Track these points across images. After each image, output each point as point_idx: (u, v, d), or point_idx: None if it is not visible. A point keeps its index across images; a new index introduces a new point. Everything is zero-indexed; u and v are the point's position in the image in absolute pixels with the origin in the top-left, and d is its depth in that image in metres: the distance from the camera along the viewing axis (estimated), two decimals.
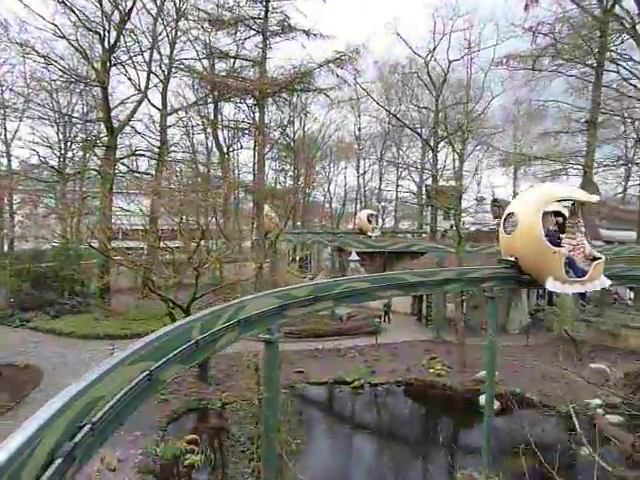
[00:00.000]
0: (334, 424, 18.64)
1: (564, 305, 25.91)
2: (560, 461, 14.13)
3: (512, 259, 11.33)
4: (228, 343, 7.08)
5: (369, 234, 37.28)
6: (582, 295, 25.34)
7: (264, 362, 9.13)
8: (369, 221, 39.00)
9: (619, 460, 11.54)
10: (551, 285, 10.90)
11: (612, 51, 27.66)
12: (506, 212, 11.73)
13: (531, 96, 32.71)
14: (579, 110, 29.62)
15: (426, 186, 47.94)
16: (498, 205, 42.22)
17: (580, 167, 27.51)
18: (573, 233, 11.72)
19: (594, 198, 11.82)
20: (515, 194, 45.22)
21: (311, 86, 32.16)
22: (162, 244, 20.68)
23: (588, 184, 27.72)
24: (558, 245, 11.08)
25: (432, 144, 39.64)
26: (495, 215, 42.49)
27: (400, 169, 60.18)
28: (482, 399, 18.46)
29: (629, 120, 34.19)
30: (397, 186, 61.74)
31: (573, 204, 11.81)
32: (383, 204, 63.49)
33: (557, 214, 11.76)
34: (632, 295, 31.02)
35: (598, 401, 18.07)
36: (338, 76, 31.69)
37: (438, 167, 39.40)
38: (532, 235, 10.78)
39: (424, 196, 49.68)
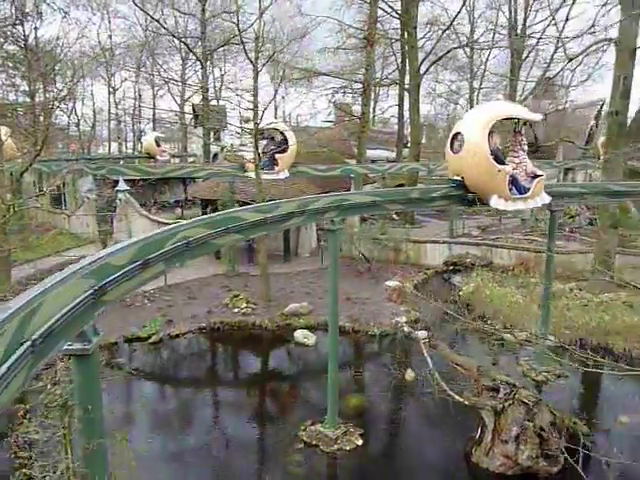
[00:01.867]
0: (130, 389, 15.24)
1: (351, 224, 26.08)
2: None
3: (459, 178, 11.22)
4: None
5: (158, 158, 32.53)
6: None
7: (78, 384, 5.52)
8: (157, 144, 33.88)
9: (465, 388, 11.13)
10: (495, 202, 11.04)
11: None
12: (453, 131, 11.52)
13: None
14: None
15: (193, 105, 43.80)
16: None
17: (361, 84, 27.15)
18: (516, 151, 11.72)
19: (537, 117, 11.91)
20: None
21: None
22: None
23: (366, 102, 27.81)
24: (502, 163, 11.02)
25: (200, 57, 35.45)
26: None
27: (157, 87, 54.05)
28: (299, 334, 17.14)
29: (392, 39, 35.24)
30: (154, 105, 55.58)
31: (516, 122, 11.71)
32: (142, 125, 56.99)
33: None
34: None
35: (404, 318, 18.34)
36: None
37: (210, 83, 35.58)
38: (478, 154, 10.75)
39: (190, 116, 45.46)
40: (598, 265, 20.05)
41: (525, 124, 12.01)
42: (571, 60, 18.77)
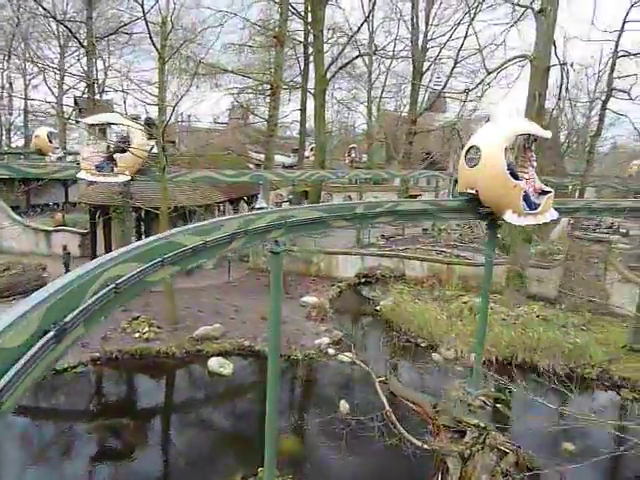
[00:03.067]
0: None
1: None
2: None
3: (473, 191, 10.97)
4: None
5: (50, 155, 28.10)
6: None
7: None
8: (50, 140, 29.35)
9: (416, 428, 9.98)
10: (509, 217, 10.98)
11: None
12: (467, 145, 11.26)
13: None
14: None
15: (75, 98, 39.39)
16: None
17: (270, 85, 25.51)
18: (525, 167, 11.57)
19: (548, 134, 11.77)
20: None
21: None
22: None
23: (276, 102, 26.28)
24: (516, 179, 10.85)
25: (85, 43, 31.68)
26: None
27: (30, 75, 48.15)
28: (213, 363, 15.12)
29: (296, 41, 34.06)
30: (26, 95, 49.49)
31: (527, 139, 11.59)
32: (9, 117, 50.42)
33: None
34: None
35: (327, 339, 17.01)
36: None
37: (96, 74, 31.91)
38: (495, 168, 10.67)
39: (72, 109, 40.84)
40: (512, 278, 20.23)
41: (535, 141, 11.83)
42: (490, 73, 18.71)
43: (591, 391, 15.02)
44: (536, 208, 11.35)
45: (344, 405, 13.07)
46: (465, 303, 20.08)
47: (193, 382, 15.34)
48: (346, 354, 16.06)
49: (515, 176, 11.00)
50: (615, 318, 19.75)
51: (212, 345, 16.13)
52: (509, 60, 18.59)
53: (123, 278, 4.93)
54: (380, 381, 10.95)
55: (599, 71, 34.90)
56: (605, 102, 28.81)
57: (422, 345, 17.17)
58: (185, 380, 15.55)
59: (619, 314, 20.06)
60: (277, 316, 9.46)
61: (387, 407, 9.80)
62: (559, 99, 21.09)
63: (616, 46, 28.61)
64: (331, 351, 16.36)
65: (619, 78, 28.89)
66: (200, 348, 15.99)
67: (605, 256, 20.52)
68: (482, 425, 9.17)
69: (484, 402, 13.35)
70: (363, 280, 24.75)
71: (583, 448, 11.69)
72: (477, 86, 19.42)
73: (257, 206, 25.09)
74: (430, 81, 39.57)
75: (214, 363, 15.04)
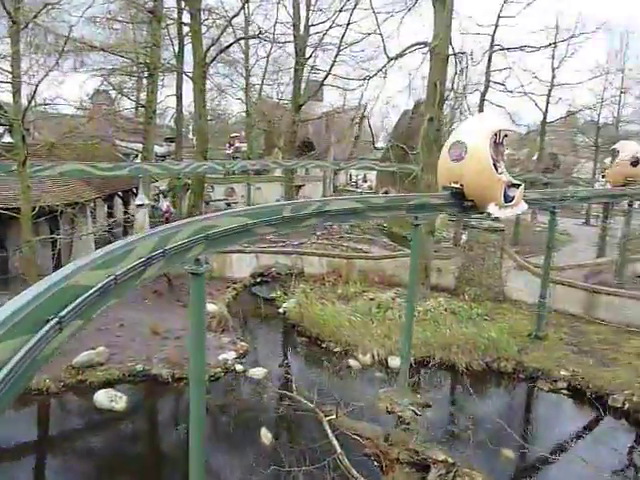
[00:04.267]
0: None
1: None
2: None
3: (457, 186, 11.31)
4: None
5: None
6: None
7: None
8: None
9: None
10: (492, 209, 11.49)
11: None
12: (451, 140, 11.73)
13: None
14: None
15: None
16: None
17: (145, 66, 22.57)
18: (498, 162, 11.68)
19: (521, 130, 14.30)
20: None
21: None
22: None
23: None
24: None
25: None
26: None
27: None
28: (102, 397, 12.60)
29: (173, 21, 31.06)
30: None
31: (497, 134, 11.66)
32: None
33: None
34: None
35: (233, 353, 15.15)
36: None
37: None
38: (482, 163, 11.16)
39: None
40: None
41: (506, 136, 12.08)
42: (390, 60, 17.90)
43: (510, 386, 14.90)
44: (511, 200, 11.87)
45: (266, 435, 11.41)
46: (372, 300, 19.30)
47: (75, 425, 12.61)
48: (257, 369, 14.42)
49: (496, 170, 11.46)
50: (513, 306, 20.23)
51: (97, 374, 13.49)
52: (409, 47, 17.93)
53: None
54: (328, 419, 9.44)
55: (477, 63, 36.11)
56: (483, 94, 29.73)
57: (336, 350, 15.98)
58: (63, 424, 12.76)
59: (517, 301, 20.63)
60: (201, 351, 7.54)
61: (339, 450, 8.34)
62: (451, 89, 21.12)
63: (492, 40, 29.57)
64: (239, 367, 14.54)
65: (495, 71, 30.05)
66: (82, 379, 13.28)
67: (500, 244, 20.92)
68: (450, 461, 8.10)
69: (414, 412, 12.50)
70: (259, 280, 23.07)
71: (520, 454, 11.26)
72: (377, 73, 18.68)
73: (137, 203, 22.26)
74: (313, 68, 38.49)
75: (102, 397, 12.49)
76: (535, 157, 43.94)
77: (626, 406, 13.03)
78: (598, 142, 41.29)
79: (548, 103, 36.59)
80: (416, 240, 12.43)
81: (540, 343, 16.50)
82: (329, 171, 48.66)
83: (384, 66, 18.12)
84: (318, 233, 29.49)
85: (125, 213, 24.26)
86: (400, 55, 18.20)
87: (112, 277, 4.64)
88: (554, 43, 34.45)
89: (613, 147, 24.90)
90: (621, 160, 22.82)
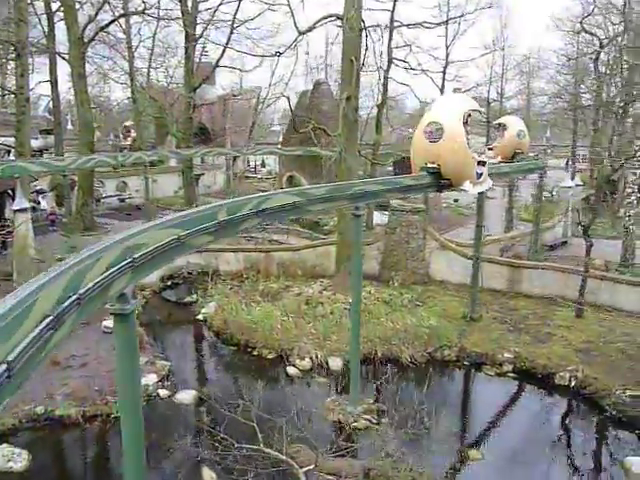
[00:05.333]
0: None
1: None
2: None
3: (435, 166, 11.48)
4: None
5: None
6: None
7: None
8: None
9: None
10: (467, 187, 11.89)
11: None
12: (427, 121, 11.83)
13: None
14: None
15: None
16: None
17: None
18: (468, 141, 11.87)
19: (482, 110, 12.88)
20: None
21: None
22: None
23: None
24: None
25: None
26: None
27: None
28: None
29: None
30: None
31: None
32: None
33: None
34: None
35: (154, 376, 13.10)
36: None
37: None
38: (458, 143, 11.44)
39: None
40: (342, 260, 18.69)
41: (469, 116, 12.26)
42: (302, 34, 16.40)
43: (457, 375, 14.31)
44: (480, 177, 12.27)
45: (209, 473, 9.71)
46: (299, 295, 17.96)
47: None
48: (185, 393, 12.57)
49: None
50: (440, 287, 19.86)
51: None
52: (320, 20, 16.50)
53: None
54: (305, 470, 7.91)
55: (379, 40, 35.44)
56: (387, 71, 29.09)
57: (270, 357, 14.48)
58: None
59: (442, 282, 20.30)
60: (136, 402, 5.75)
61: None
62: (363, 64, 20.03)
63: (392, 16, 28.88)
64: (163, 392, 12.59)
65: (396, 48, 29.48)
66: None
67: (423, 225, 20.39)
68: None
69: (369, 420, 11.41)
70: (170, 283, 20.80)
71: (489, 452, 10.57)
72: (288, 48, 17.01)
73: (16, 207, 18.96)
74: (204, 48, 35.89)
75: None
76: None
77: (572, 383, 12.87)
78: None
79: (444, 80, 37.03)
80: (357, 232, 11.18)
81: (476, 325, 16.14)
82: (229, 158, 46.35)
83: (295, 41, 16.58)
84: None
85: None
86: (311, 29, 16.73)
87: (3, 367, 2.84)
88: (446, 21, 34.76)
89: (499, 122, 25.33)
90: (509, 134, 23.25)
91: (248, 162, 61.53)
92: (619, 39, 32.76)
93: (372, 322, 15.39)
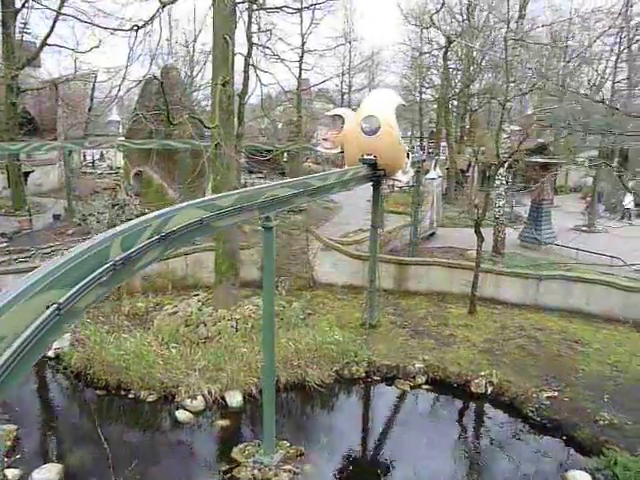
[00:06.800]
0: None
1: None
2: None
3: (372, 157, 11.99)
4: None
5: None
6: None
7: None
8: None
9: None
10: (400, 176, 13.31)
11: None
12: (363, 115, 12.28)
13: None
14: None
15: None
16: None
17: None
18: None
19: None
20: None
21: None
22: None
23: None
24: None
25: None
26: None
27: None
28: None
29: None
30: None
31: None
32: None
33: None
34: None
35: None
36: None
37: None
38: (393, 135, 12.18)
39: None
40: (224, 269, 16.33)
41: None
42: (164, 6, 13.70)
43: (370, 394, 12.99)
44: (406, 167, 13.19)
45: None
46: (174, 314, 15.32)
47: None
48: (44, 469, 9.51)
49: None
50: (327, 291, 18.56)
51: None
52: None
53: None
54: None
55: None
56: (247, 57, 26.96)
57: (151, 400, 11.79)
58: None
59: (328, 285, 19.01)
60: None
61: None
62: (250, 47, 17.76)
63: None
64: (13, 472, 9.36)
65: (257, 32, 27.53)
66: None
67: (306, 225, 18.87)
68: None
69: (292, 471, 9.55)
70: None
71: None
72: (147, 22, 13.90)
73: None
74: (26, 25, 30.24)
75: None
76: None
77: (489, 390, 12.29)
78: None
79: (301, 70, 35.93)
80: (269, 248, 9.14)
81: (376, 332, 15.08)
82: (62, 152, 40.31)
83: (156, 13, 13.64)
84: (71, 231, 23.19)
85: None
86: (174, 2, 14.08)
87: None
88: (301, 9, 33.58)
89: (336, 114, 24.85)
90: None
91: (84, 156, 54.98)
92: (466, 35, 34.36)
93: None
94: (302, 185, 9.48)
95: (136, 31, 13.56)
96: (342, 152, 22.92)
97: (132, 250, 5.00)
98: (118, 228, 4.99)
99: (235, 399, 11.71)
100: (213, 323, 14.80)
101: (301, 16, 35.36)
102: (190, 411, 11.39)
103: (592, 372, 12.70)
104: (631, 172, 35.55)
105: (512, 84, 19.45)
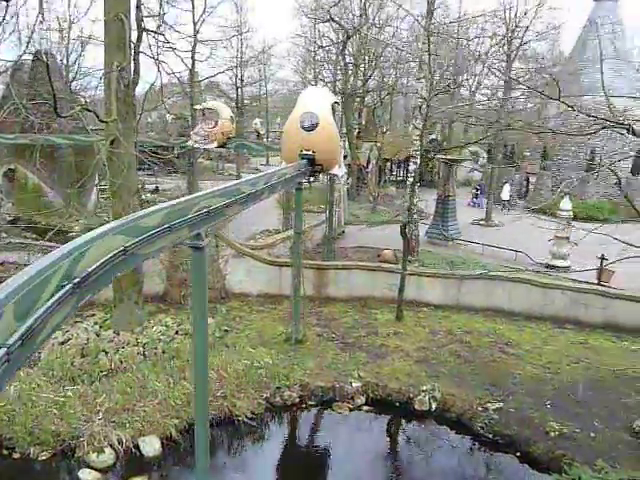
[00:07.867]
0: None
1: None
2: None
3: (310, 153, 11.82)
4: None
5: None
6: None
7: None
8: None
9: None
10: (337, 171, 13.41)
11: None
12: (301, 111, 12.17)
13: None
14: None
15: None
16: None
17: None
18: None
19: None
20: None
21: None
22: None
23: None
24: None
25: None
26: None
27: None
28: None
29: None
30: None
31: None
32: None
33: None
34: None
35: None
36: None
37: None
38: (331, 131, 12.37)
39: None
40: (126, 286, 14.09)
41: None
42: None
43: (307, 420, 11.64)
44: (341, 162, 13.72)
45: None
46: (65, 343, 12.89)
47: None
48: None
49: None
50: (241, 302, 16.96)
51: None
52: None
53: None
54: None
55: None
56: (137, 44, 24.24)
57: (44, 458, 9.50)
58: None
59: (241, 295, 17.41)
60: None
61: None
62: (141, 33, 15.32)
63: None
64: None
65: (147, 17, 24.79)
66: None
67: (214, 230, 17.00)
68: None
69: None
70: None
71: None
72: None
73: None
74: None
75: None
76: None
77: (434, 406, 11.50)
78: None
79: (194, 60, 33.54)
80: (201, 270, 7.42)
81: (304, 348, 13.75)
82: None
83: None
84: None
85: None
86: None
87: None
88: None
89: (206, 107, 23.64)
90: (224, 119, 21.81)
91: None
92: (364, 29, 33.97)
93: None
94: (235, 192, 7.89)
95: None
96: (222, 146, 22.15)
97: (31, 320, 3.22)
98: (6, 286, 3.14)
99: (152, 447, 9.80)
100: (115, 350, 12.65)
101: (193, 3, 33.03)
102: (96, 468, 9.31)
103: (528, 376, 12.41)
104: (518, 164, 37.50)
105: (424, 80, 19.02)
